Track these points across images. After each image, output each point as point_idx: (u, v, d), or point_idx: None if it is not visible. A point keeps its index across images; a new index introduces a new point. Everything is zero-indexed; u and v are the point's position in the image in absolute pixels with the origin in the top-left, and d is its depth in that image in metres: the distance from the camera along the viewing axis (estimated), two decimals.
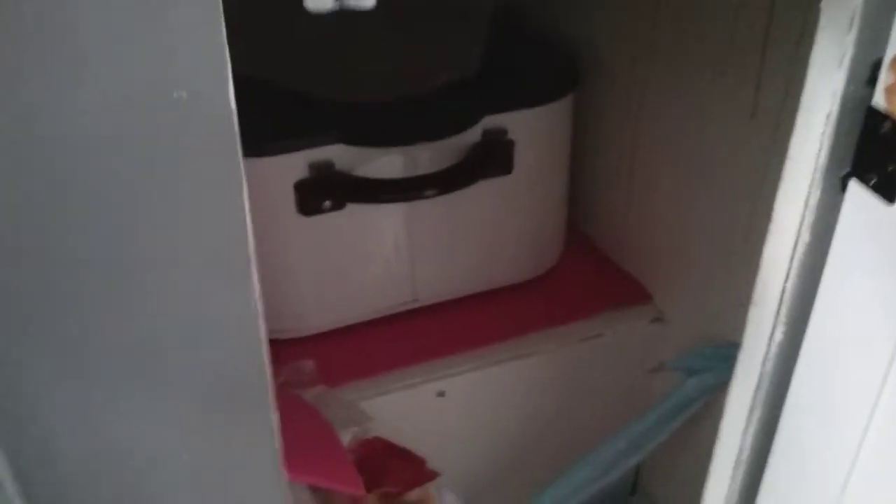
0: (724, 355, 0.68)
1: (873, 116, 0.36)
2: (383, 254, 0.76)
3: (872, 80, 0.36)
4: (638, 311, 0.81)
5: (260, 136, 0.68)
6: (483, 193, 0.75)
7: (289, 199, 0.69)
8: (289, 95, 0.73)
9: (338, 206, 0.70)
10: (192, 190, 0.31)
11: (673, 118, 0.74)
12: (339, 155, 0.69)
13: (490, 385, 0.76)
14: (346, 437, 0.61)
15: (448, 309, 0.80)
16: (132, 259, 0.32)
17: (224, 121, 0.30)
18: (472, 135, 0.72)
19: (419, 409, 0.74)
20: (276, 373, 0.69)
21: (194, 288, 0.33)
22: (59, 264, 0.30)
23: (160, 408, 0.34)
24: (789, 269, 0.43)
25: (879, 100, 0.36)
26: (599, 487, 0.73)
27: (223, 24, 0.28)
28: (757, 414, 0.48)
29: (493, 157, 0.73)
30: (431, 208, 0.74)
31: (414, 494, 0.60)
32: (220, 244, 0.33)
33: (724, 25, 0.65)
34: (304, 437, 0.56)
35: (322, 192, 0.69)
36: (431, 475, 0.62)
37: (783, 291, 0.43)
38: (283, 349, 0.74)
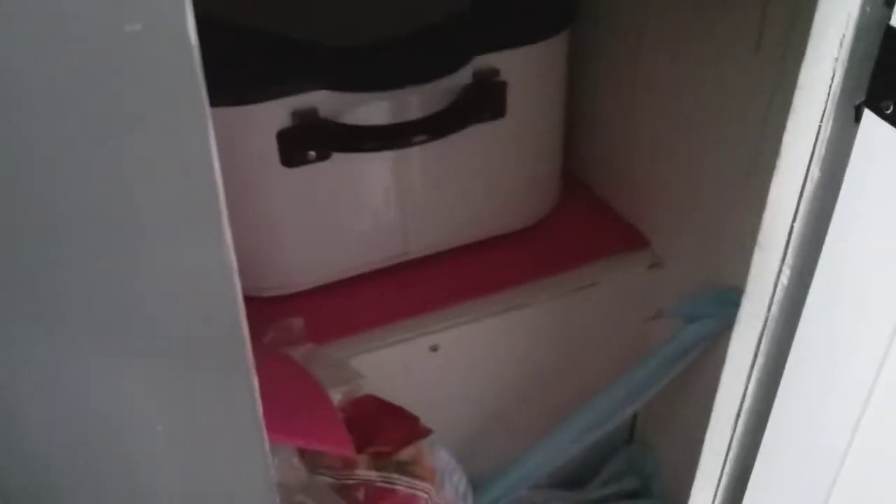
0: (725, 300, 0.66)
1: (891, 39, 0.34)
2: (372, 205, 0.73)
3: (892, 0, 0.33)
4: (635, 258, 0.78)
5: (239, 83, 0.65)
6: (475, 138, 0.72)
7: (271, 149, 0.66)
8: (268, 39, 0.70)
9: (323, 155, 0.67)
10: (151, 137, 0.28)
11: (673, 54, 0.70)
12: (322, 102, 0.65)
13: (484, 337, 0.74)
14: (337, 397, 0.59)
15: (440, 260, 0.78)
16: (88, 214, 0.29)
17: (185, 57, 0.27)
18: (463, 76, 0.68)
19: (412, 364, 0.72)
20: (264, 331, 0.67)
21: (161, 242, 0.31)
22: (9, 222, 0.28)
23: (133, 370, 0.32)
24: (797, 209, 0.41)
25: None
26: (596, 437, 0.71)
27: None
28: (761, 361, 0.46)
29: (484, 100, 0.69)
30: (421, 156, 0.71)
31: (406, 453, 0.58)
32: (186, 196, 0.30)
33: None
34: (291, 397, 0.54)
35: (306, 142, 0.66)
36: (424, 432, 0.61)
37: (790, 232, 0.40)
38: (270, 306, 0.72)
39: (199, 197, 0.30)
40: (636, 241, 0.79)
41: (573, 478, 0.86)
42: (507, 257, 0.78)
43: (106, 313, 0.30)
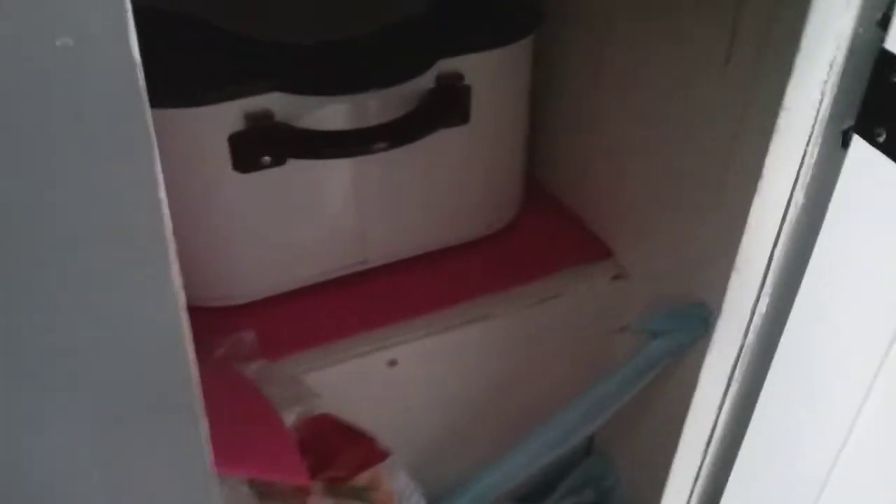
0: (692, 315, 0.65)
1: (885, 63, 0.32)
2: (329, 212, 0.70)
3: (885, 21, 0.32)
4: (598, 268, 0.77)
5: (188, 83, 0.61)
6: (437, 144, 0.69)
7: (223, 153, 0.63)
8: (220, 36, 0.66)
9: (278, 161, 0.64)
10: (86, 161, 0.25)
11: (639, 62, 0.69)
12: (278, 104, 0.62)
13: (444, 351, 0.71)
14: (291, 417, 0.56)
15: (399, 270, 0.75)
16: (19, 242, 0.26)
17: (124, 72, 0.24)
18: (426, 80, 0.66)
19: (369, 379, 0.69)
20: (213, 345, 0.64)
21: (100, 276, 0.28)
22: None
23: (65, 416, 0.29)
24: (779, 234, 0.39)
25: (894, 44, 0.31)
26: (558, 454, 0.70)
27: None
28: (735, 388, 0.45)
29: (448, 105, 0.67)
30: (381, 161, 0.68)
31: (364, 477, 0.55)
32: (126, 225, 0.27)
33: None
34: (241, 421, 0.51)
35: (260, 147, 0.63)
36: (383, 454, 0.58)
37: (770, 258, 0.39)
38: (220, 317, 0.68)
39: (141, 226, 0.27)
40: (600, 252, 0.78)
41: (530, 491, 0.84)
42: (467, 267, 0.76)
43: (38, 353, 0.27)
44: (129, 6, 0.23)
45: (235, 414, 0.49)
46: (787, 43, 0.50)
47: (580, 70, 0.76)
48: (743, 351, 0.43)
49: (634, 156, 0.72)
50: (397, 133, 0.64)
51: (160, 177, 0.27)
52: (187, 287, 0.68)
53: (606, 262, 0.77)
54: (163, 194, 0.27)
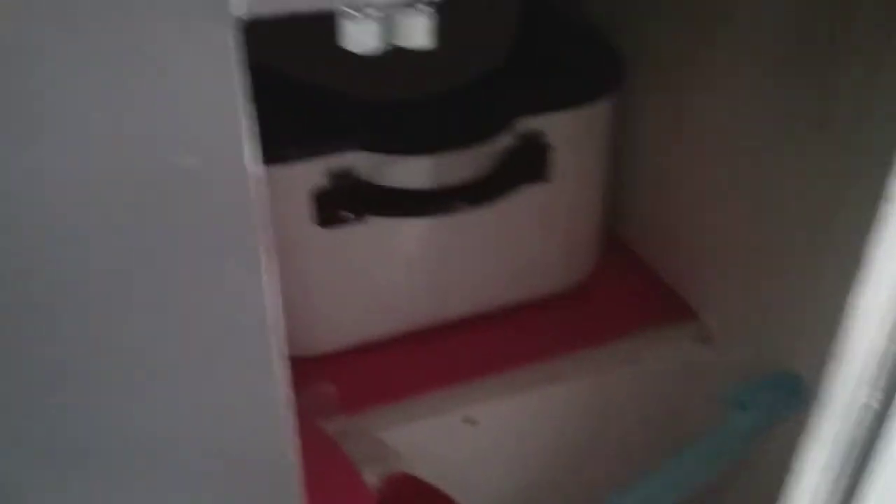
0: (783, 387, 0.62)
1: None
2: (407, 267, 0.70)
3: None
4: (682, 330, 0.75)
5: (275, 141, 0.62)
6: (516, 202, 0.69)
7: (305, 209, 0.63)
8: (304, 92, 0.67)
9: (359, 218, 0.65)
10: (202, 276, 0.25)
11: (727, 119, 0.67)
12: (360, 162, 0.63)
13: (521, 411, 0.70)
14: (372, 478, 0.56)
15: (476, 325, 0.74)
16: (127, 362, 0.26)
17: (242, 194, 0.24)
18: (506, 138, 0.65)
19: (445, 437, 0.68)
20: (294, 398, 0.64)
21: (208, 385, 0.28)
22: (38, 367, 0.25)
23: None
24: (885, 326, 0.37)
25: None
26: None
27: (240, 66, 0.22)
28: (834, 480, 0.43)
29: (529, 164, 0.66)
30: (459, 218, 0.68)
31: None
32: (234, 334, 0.27)
33: (793, 19, 0.58)
34: (322, 480, 0.50)
35: (342, 203, 0.63)
36: None
37: (884, 354, 0.37)
38: (296, 368, 0.69)
39: (250, 339, 0.27)
40: (683, 312, 0.76)
41: None
42: (545, 324, 0.75)
43: (147, 456, 0.27)
44: (248, 123, 0.24)
45: (317, 471, 0.49)
46: (890, 111, 0.48)
47: (664, 125, 0.75)
48: (846, 442, 0.41)
49: (721, 215, 0.70)
50: (477, 193, 0.64)
51: (270, 290, 0.27)
52: None
53: (690, 323, 0.75)
54: (271, 302, 0.27)
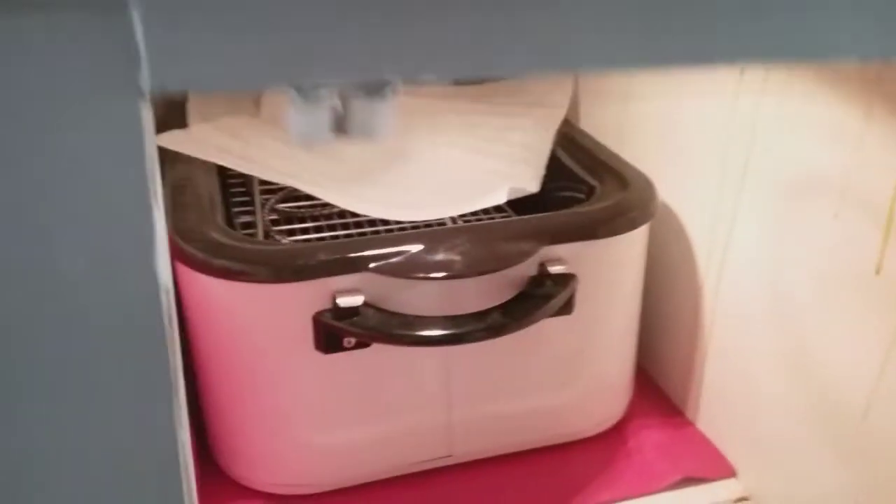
0: None
1: None
2: (414, 400, 0.64)
3: None
4: (719, 488, 0.66)
5: (275, 259, 0.58)
6: (536, 334, 0.63)
7: (306, 332, 0.58)
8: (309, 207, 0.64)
9: (362, 344, 0.59)
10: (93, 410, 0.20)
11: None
12: (367, 284, 0.58)
13: None
14: None
15: (488, 469, 0.67)
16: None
17: (148, 308, 0.20)
18: (527, 267, 0.60)
19: None
20: None
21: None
22: None
23: None
24: None
25: None
26: None
27: (149, 150, 0.18)
28: None
29: (550, 295, 0.61)
30: (473, 349, 0.63)
31: None
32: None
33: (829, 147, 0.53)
34: None
35: (345, 328, 0.58)
36: None
37: None
38: None
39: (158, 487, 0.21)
40: (721, 468, 0.68)
41: None
42: (566, 473, 0.67)
43: None
44: (158, 215, 0.19)
45: None
46: None
47: (695, 260, 0.69)
48: None
49: (756, 363, 0.63)
50: (494, 325, 0.58)
51: (179, 422, 0.22)
52: (261, 471, 0.62)
53: (729, 481, 0.67)
54: (185, 446, 0.22)
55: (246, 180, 0.81)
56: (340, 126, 0.19)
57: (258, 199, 0.78)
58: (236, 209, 0.77)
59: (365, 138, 0.20)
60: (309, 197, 0.76)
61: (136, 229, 0.19)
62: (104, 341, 0.19)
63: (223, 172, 0.81)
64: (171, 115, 0.83)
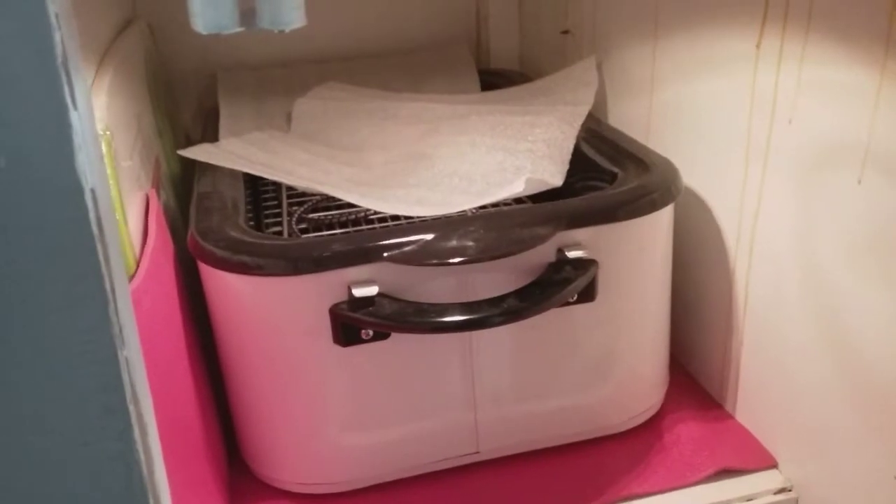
0: None
1: None
2: (438, 396, 0.63)
3: None
4: (759, 479, 0.63)
5: (290, 251, 0.58)
6: (559, 324, 0.62)
7: (324, 325, 0.59)
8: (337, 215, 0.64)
9: (381, 335, 0.59)
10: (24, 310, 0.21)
11: None
12: (383, 274, 0.58)
13: None
14: None
15: (517, 466, 0.66)
16: None
17: (71, 204, 0.20)
18: (545, 252, 0.60)
19: None
20: None
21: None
22: None
23: None
24: None
25: None
26: None
27: (61, 40, 0.19)
28: None
29: (569, 280, 0.60)
30: (497, 338, 0.62)
31: None
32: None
33: None
34: None
35: (362, 318, 0.58)
36: None
37: None
38: None
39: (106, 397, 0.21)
40: (761, 459, 0.65)
41: None
42: (600, 468, 0.65)
43: None
44: (78, 113, 0.20)
45: None
46: None
47: (725, 243, 0.67)
48: None
49: (792, 349, 0.60)
50: (509, 308, 0.57)
51: (121, 331, 0.22)
52: (288, 471, 0.62)
53: (770, 472, 0.64)
54: (133, 368, 0.22)
55: (277, 192, 0.83)
56: (249, 18, 0.19)
57: (286, 208, 0.79)
58: (268, 220, 0.79)
59: (274, 28, 0.20)
60: (337, 206, 0.77)
61: (52, 126, 0.19)
62: (27, 242, 0.20)
63: (255, 186, 0.83)
64: (206, 136, 0.86)
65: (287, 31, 0.20)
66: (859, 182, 0.52)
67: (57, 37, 0.19)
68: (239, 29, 0.20)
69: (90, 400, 0.22)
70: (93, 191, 0.20)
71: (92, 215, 0.20)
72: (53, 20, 0.19)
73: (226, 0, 0.18)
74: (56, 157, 0.19)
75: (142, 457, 0.22)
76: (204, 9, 0.18)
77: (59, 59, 0.19)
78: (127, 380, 0.23)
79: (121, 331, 0.22)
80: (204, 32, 0.20)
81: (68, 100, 0.19)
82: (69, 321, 0.21)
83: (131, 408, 0.23)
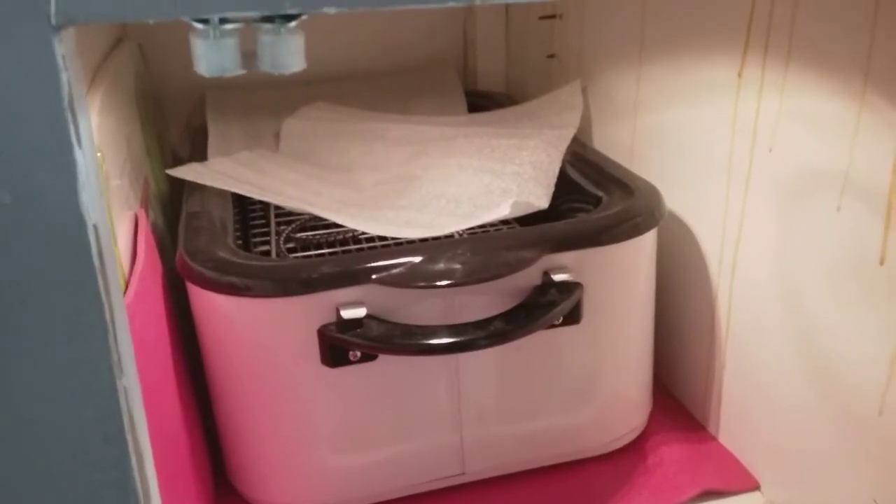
0: None
1: None
2: (425, 417, 0.64)
3: None
4: (741, 501, 0.64)
5: (279, 273, 0.59)
6: (544, 346, 0.63)
7: (311, 346, 0.59)
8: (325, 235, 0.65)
9: (368, 356, 0.60)
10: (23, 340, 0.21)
11: None
12: (370, 296, 0.58)
13: None
14: None
15: (503, 487, 0.66)
16: None
17: (74, 240, 0.20)
18: (531, 275, 0.60)
19: None
20: None
21: None
22: None
23: None
24: None
25: None
26: None
27: (73, 85, 0.19)
28: None
29: (554, 303, 0.61)
30: (484, 360, 0.63)
31: None
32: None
33: None
34: None
35: (350, 340, 0.59)
36: None
37: None
38: None
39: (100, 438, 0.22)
40: (742, 481, 0.65)
41: None
42: (583, 491, 0.66)
43: None
44: (83, 152, 0.20)
45: None
46: None
47: (707, 265, 0.69)
48: None
49: (774, 371, 0.61)
50: (495, 331, 0.58)
51: (119, 360, 0.22)
52: (274, 491, 0.62)
53: (752, 494, 0.65)
54: (127, 388, 0.23)
55: (265, 211, 0.83)
56: (251, 60, 0.20)
57: (274, 227, 0.80)
58: (256, 239, 0.79)
59: (274, 71, 0.21)
60: (325, 225, 0.77)
61: (58, 164, 0.20)
62: (31, 275, 0.20)
63: (244, 205, 0.83)
64: (194, 155, 0.86)
65: (287, 73, 0.21)
66: (838, 209, 0.53)
67: (64, 78, 0.19)
68: (241, 71, 0.21)
69: (89, 429, 0.22)
70: (95, 227, 0.21)
71: (94, 250, 0.21)
72: (60, 62, 0.19)
73: (228, 45, 0.19)
74: (61, 194, 0.20)
75: (138, 485, 0.23)
76: (207, 52, 0.19)
77: (66, 101, 0.19)
78: (125, 408, 0.23)
79: (119, 360, 0.23)
80: (207, 75, 0.21)
81: (73, 139, 0.20)
82: (70, 352, 0.21)
83: (129, 436, 0.23)
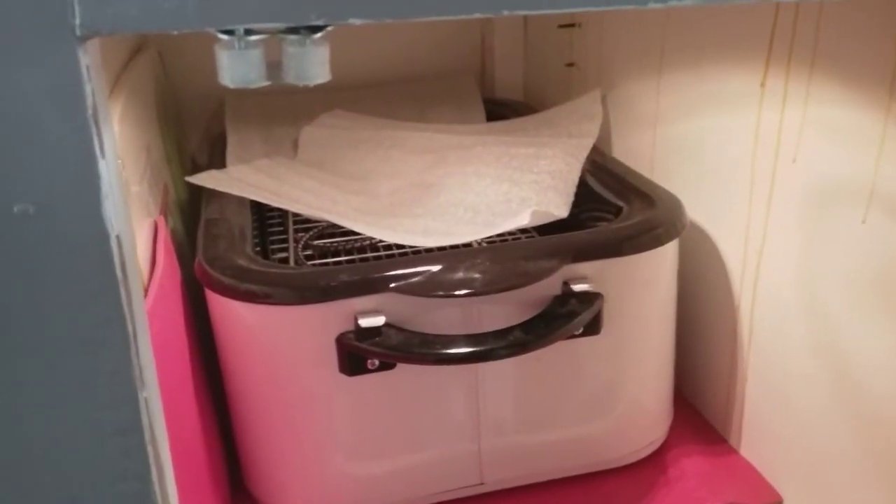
0: None
1: None
2: (443, 426, 0.63)
3: None
4: None
5: (297, 281, 0.59)
6: (564, 356, 0.62)
7: (330, 355, 0.59)
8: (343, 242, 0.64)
9: (387, 365, 0.59)
10: (45, 349, 0.21)
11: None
12: (388, 305, 0.58)
13: None
14: None
15: (521, 498, 0.66)
16: None
17: (97, 251, 0.20)
18: (551, 285, 0.60)
19: None
20: None
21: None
22: None
23: None
24: None
25: None
26: None
27: (96, 96, 0.19)
28: None
29: (574, 313, 0.60)
30: (503, 370, 0.62)
31: None
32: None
33: None
34: None
35: (368, 349, 0.58)
36: None
37: None
38: None
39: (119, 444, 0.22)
40: (765, 495, 0.65)
41: None
42: (603, 500, 0.65)
43: None
44: (104, 163, 0.20)
45: None
46: None
47: (729, 276, 0.68)
48: None
49: (796, 385, 0.61)
50: (514, 341, 0.58)
51: (141, 372, 0.22)
52: (291, 499, 0.62)
53: None
54: (152, 408, 0.22)
55: (283, 218, 0.83)
56: (276, 72, 0.20)
57: (292, 234, 0.80)
58: (273, 246, 0.79)
59: (299, 83, 0.20)
60: (342, 233, 0.77)
61: (81, 175, 0.19)
62: (54, 286, 0.20)
63: (262, 212, 0.83)
64: (213, 162, 0.86)
65: (311, 85, 0.21)
66: (863, 221, 0.53)
67: (88, 89, 0.19)
68: (266, 83, 0.21)
69: (110, 442, 0.22)
70: (118, 237, 0.21)
71: (117, 261, 0.21)
72: (84, 73, 0.19)
73: (253, 56, 0.19)
74: (84, 205, 0.20)
75: (158, 498, 0.23)
76: (232, 64, 0.19)
77: (90, 111, 0.19)
78: (146, 421, 0.23)
79: (141, 373, 0.23)
80: (232, 86, 0.21)
81: (97, 150, 0.20)
82: (92, 364, 0.21)
83: (149, 449, 0.23)
